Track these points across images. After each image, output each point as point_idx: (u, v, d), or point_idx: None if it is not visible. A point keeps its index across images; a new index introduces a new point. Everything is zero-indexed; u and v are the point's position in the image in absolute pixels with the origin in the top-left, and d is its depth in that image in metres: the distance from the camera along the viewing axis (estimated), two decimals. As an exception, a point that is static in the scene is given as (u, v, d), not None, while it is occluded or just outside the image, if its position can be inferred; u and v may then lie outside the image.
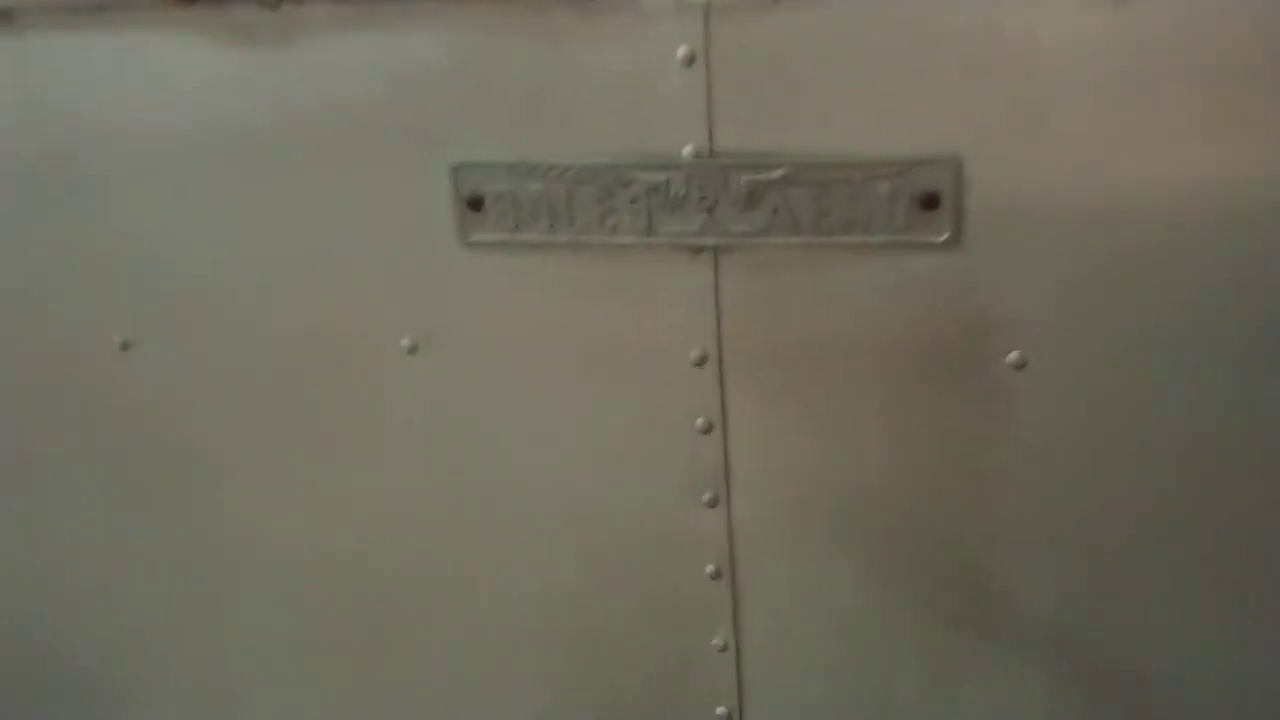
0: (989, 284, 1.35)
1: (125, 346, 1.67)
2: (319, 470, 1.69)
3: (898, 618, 1.59)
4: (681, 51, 1.31)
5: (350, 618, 1.79)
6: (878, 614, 1.60)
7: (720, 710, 1.67)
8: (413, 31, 1.37)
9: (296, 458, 1.69)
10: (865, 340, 1.42)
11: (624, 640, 1.68)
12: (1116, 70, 1.22)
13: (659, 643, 1.66)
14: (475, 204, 1.46)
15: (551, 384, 1.53)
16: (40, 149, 1.54)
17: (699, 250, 1.41)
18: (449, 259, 1.48)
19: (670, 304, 1.45)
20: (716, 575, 1.59)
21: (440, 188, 1.45)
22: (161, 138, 1.50)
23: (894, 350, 1.41)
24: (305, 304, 1.55)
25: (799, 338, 1.45)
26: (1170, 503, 1.41)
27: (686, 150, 1.35)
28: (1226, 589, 1.44)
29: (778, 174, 1.35)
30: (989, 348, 1.38)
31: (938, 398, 1.43)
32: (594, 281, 1.46)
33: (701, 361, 1.47)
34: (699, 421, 1.51)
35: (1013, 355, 1.38)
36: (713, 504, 1.55)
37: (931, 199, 1.32)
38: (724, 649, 1.63)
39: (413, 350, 1.55)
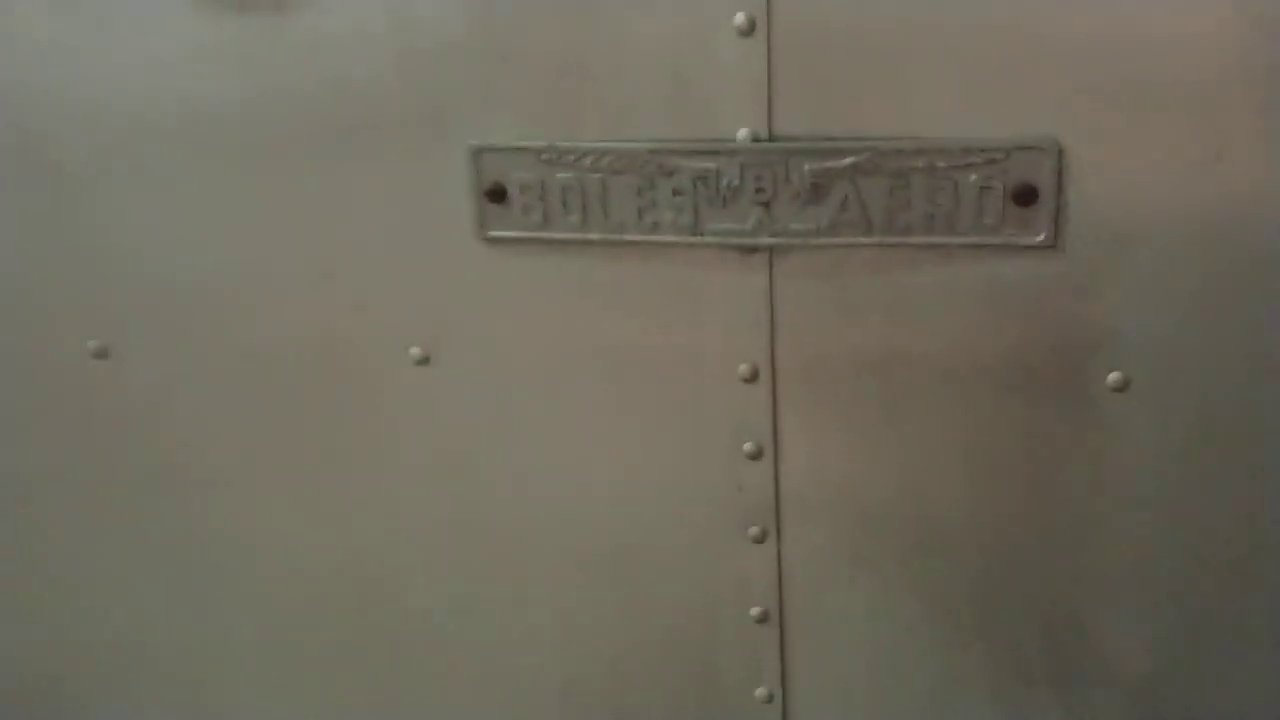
0: (1090, 294, 1.23)
1: (101, 353, 1.53)
2: (316, 494, 1.55)
3: (968, 668, 1.46)
4: (739, 18, 1.19)
5: (348, 646, 1.66)
6: (945, 664, 1.47)
7: (764, 768, 1.54)
8: (426, -3, 1.23)
9: (291, 479, 1.55)
10: (943, 357, 1.30)
11: (658, 689, 1.56)
12: (1246, 50, 1.10)
13: (697, 692, 1.54)
14: (496, 195, 1.31)
15: (580, 402, 1.42)
16: (1, 131, 1.40)
17: (752, 251, 1.29)
18: (466, 257, 1.36)
19: (717, 312, 1.33)
20: (763, 619, 1.47)
21: (457, 176, 1.32)
22: (139, 118, 1.38)
23: (976, 369, 1.29)
24: (302, 308, 1.44)
25: (865, 353, 1.31)
26: (1277, 547, 1.28)
27: (741, 133, 1.23)
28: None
29: (847, 162, 1.22)
30: (1087, 367, 1.26)
31: (1025, 423, 1.31)
32: (630, 285, 1.34)
33: (752, 377, 1.35)
34: (747, 445, 1.39)
35: (1113, 376, 1.26)
36: (760, 539, 1.43)
37: (1027, 193, 1.19)
38: (769, 700, 1.50)
39: (423, 361, 1.43)
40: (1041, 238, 1.21)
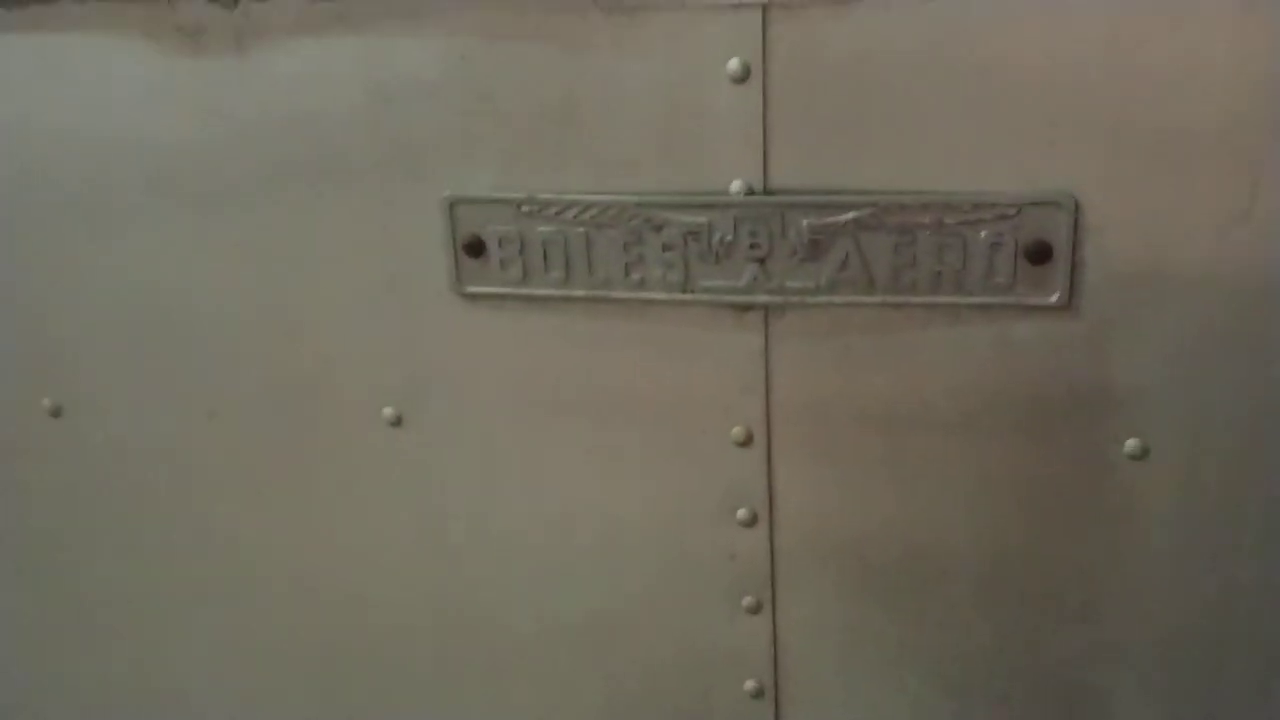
0: (1107, 358, 1.16)
1: (56, 413, 1.46)
2: (279, 561, 1.48)
3: (975, 748, 1.38)
4: (732, 64, 1.12)
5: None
6: (950, 742, 1.38)
7: None
8: (399, 35, 1.18)
9: (252, 546, 1.48)
10: (951, 422, 1.23)
11: (647, 769, 1.48)
12: (1265, 92, 1.03)
13: (689, 772, 1.46)
14: (474, 248, 1.24)
15: (562, 467, 1.34)
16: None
17: (746, 309, 1.22)
18: (441, 313, 1.29)
19: (709, 373, 1.26)
20: (758, 694, 1.40)
21: (431, 227, 1.25)
22: (93, 163, 1.31)
23: (986, 436, 1.22)
24: (265, 365, 1.36)
25: (868, 417, 1.24)
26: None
27: (735, 186, 1.16)
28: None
29: (849, 217, 1.15)
30: (1104, 434, 1.20)
31: (1039, 491, 1.24)
32: (616, 345, 1.27)
33: (746, 441, 1.28)
34: (741, 513, 1.32)
35: (1131, 443, 1.19)
36: (755, 610, 1.36)
37: (1041, 250, 1.12)
38: (765, 780, 1.43)
39: (396, 422, 1.36)
40: (1056, 298, 1.14)
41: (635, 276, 1.22)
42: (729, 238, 1.18)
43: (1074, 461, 1.22)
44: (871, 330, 1.21)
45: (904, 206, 1.13)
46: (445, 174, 1.23)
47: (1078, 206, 1.10)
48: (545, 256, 1.23)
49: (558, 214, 1.21)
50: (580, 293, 1.24)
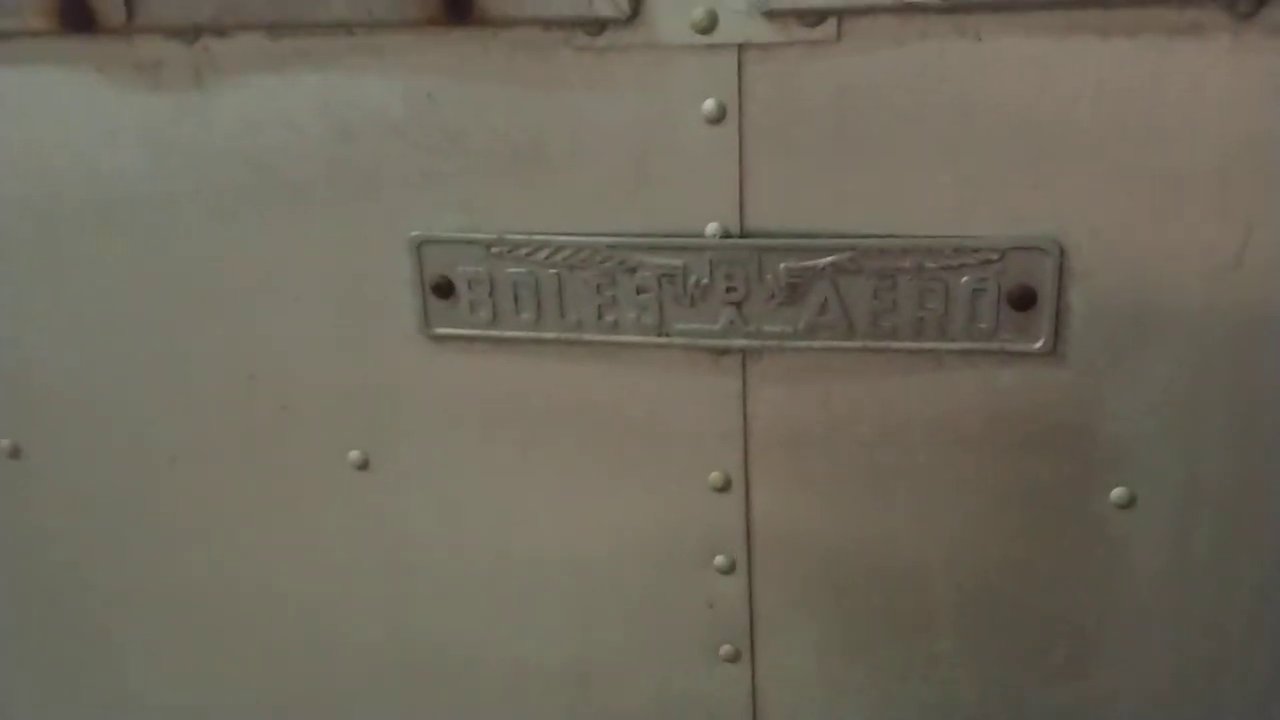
0: (1093, 404, 1.13)
1: (14, 453, 1.42)
2: (238, 609, 1.44)
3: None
4: (708, 105, 1.09)
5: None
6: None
7: None
8: (364, 72, 1.15)
9: (218, 594, 1.44)
10: (935, 470, 1.20)
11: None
12: (1272, 134, 0.99)
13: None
14: (442, 289, 1.20)
15: (533, 512, 1.31)
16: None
17: (723, 353, 1.19)
18: (409, 355, 1.25)
19: (686, 417, 1.23)
20: None
21: (398, 268, 1.21)
22: (46, 198, 1.27)
23: (972, 484, 1.19)
24: (227, 407, 1.33)
25: (847, 464, 1.21)
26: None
27: (710, 228, 1.13)
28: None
29: (827, 261, 1.11)
30: (1090, 482, 1.17)
31: (1026, 543, 1.21)
32: (589, 388, 1.23)
33: (724, 487, 1.25)
34: (719, 560, 1.29)
35: (1118, 492, 1.17)
36: (734, 659, 1.33)
37: (1025, 296, 1.09)
38: (745, 834, 1.39)
39: (363, 466, 1.33)
40: (1040, 344, 1.11)
41: (609, 319, 1.18)
42: (705, 281, 1.14)
43: (1060, 511, 1.19)
44: (852, 375, 1.17)
45: (884, 250, 1.10)
46: (411, 214, 1.19)
47: (1063, 251, 1.07)
48: (516, 298, 1.20)
49: (528, 255, 1.17)
50: (552, 335, 1.21)
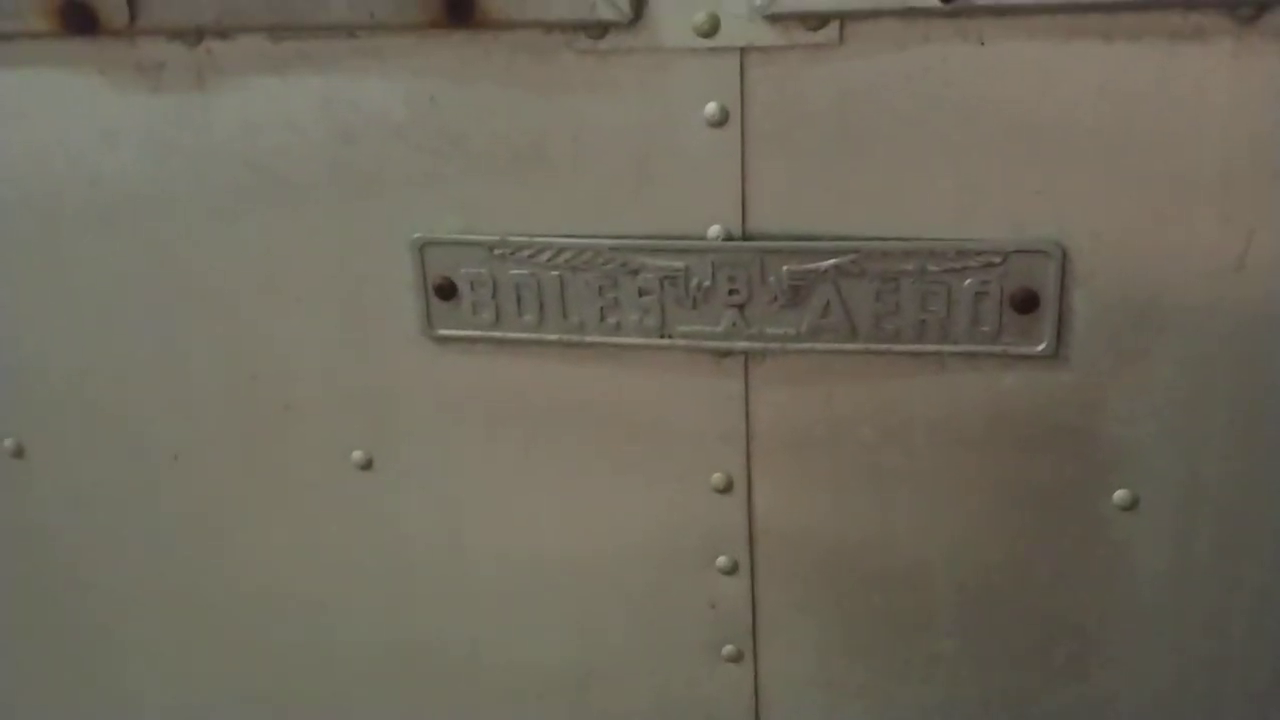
0: (1096, 407, 1.13)
1: (17, 452, 1.42)
2: (239, 611, 1.44)
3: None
4: (710, 108, 1.09)
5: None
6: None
7: None
8: (366, 75, 1.14)
9: (220, 593, 1.44)
10: (937, 472, 1.20)
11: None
12: (1258, 140, 0.99)
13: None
14: (445, 291, 1.20)
15: (535, 512, 1.31)
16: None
17: (725, 355, 1.19)
18: (411, 356, 1.25)
19: (688, 418, 1.23)
20: None
21: (401, 270, 1.21)
22: (47, 199, 1.27)
23: (973, 487, 1.19)
24: (230, 407, 1.32)
25: (850, 466, 1.21)
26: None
27: (713, 231, 1.13)
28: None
29: (829, 263, 1.11)
30: (1092, 484, 1.17)
31: (1028, 545, 1.21)
32: (591, 389, 1.23)
33: (726, 488, 1.25)
34: (721, 560, 1.29)
35: (1120, 494, 1.16)
36: (736, 659, 1.33)
37: (1028, 299, 1.09)
38: (747, 834, 1.39)
39: (366, 466, 1.32)
40: (1043, 347, 1.11)
41: (611, 321, 1.18)
42: (707, 283, 1.14)
43: (1062, 512, 1.19)
44: (854, 378, 1.17)
45: (886, 253, 1.10)
46: (414, 216, 1.19)
47: (1065, 254, 1.07)
48: (518, 300, 1.19)
49: (530, 257, 1.17)
50: (554, 337, 1.20)
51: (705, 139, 1.09)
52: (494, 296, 1.20)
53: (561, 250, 1.16)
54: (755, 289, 1.14)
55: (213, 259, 1.25)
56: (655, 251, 1.14)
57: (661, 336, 1.18)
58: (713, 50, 1.06)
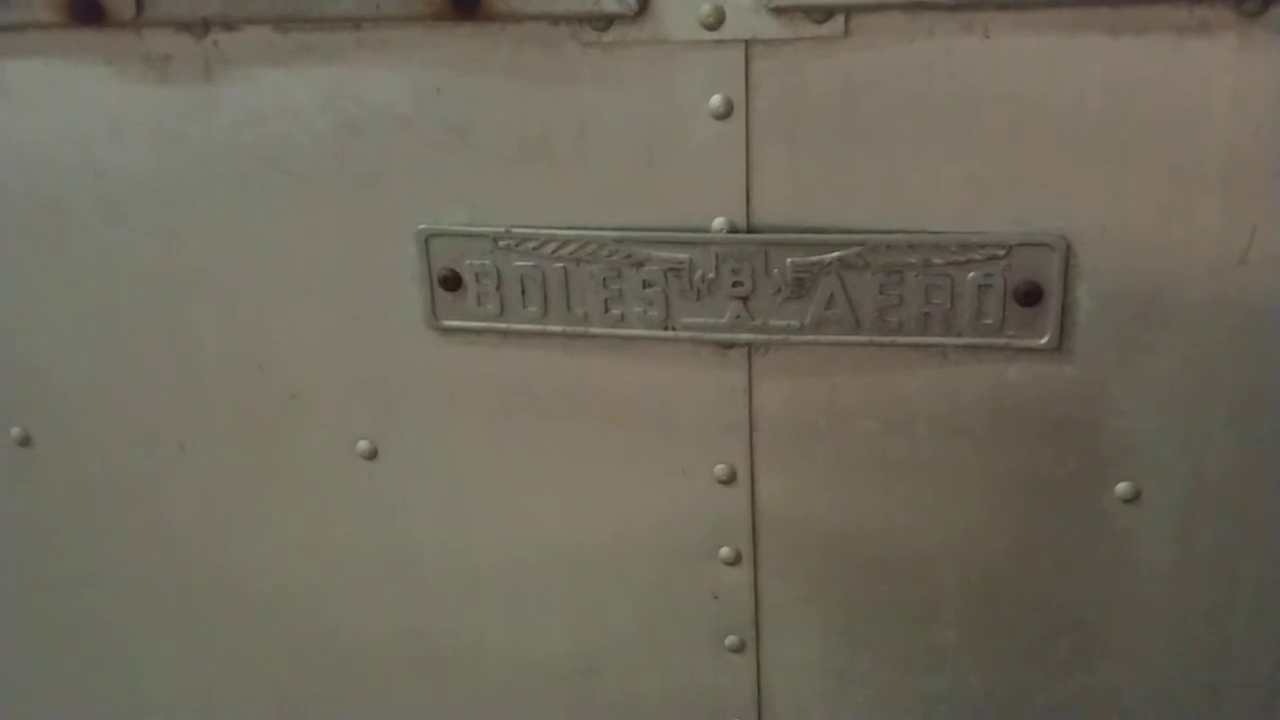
0: (1099, 400, 1.13)
1: (24, 442, 1.43)
2: (247, 599, 1.45)
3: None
4: (715, 100, 1.09)
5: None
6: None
7: None
8: (372, 66, 1.15)
9: (225, 581, 1.45)
10: (939, 465, 1.20)
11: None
12: (1263, 134, 0.99)
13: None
14: (450, 282, 1.20)
15: (540, 502, 1.31)
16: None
17: (729, 347, 1.19)
18: (416, 347, 1.26)
19: (691, 410, 1.23)
20: None
21: (406, 261, 1.22)
22: (54, 190, 1.28)
23: (976, 478, 1.19)
24: (236, 396, 1.33)
25: (853, 457, 1.21)
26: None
27: (717, 223, 1.13)
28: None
29: (834, 256, 1.11)
30: (1095, 477, 1.17)
31: (1031, 536, 1.21)
32: (595, 380, 1.24)
33: (729, 479, 1.25)
34: (724, 551, 1.29)
35: (1123, 487, 1.16)
36: (739, 650, 1.34)
37: (1032, 292, 1.09)
38: (749, 824, 1.39)
39: (371, 455, 1.33)
40: (1046, 340, 1.11)
41: (615, 312, 1.19)
42: (711, 275, 1.14)
43: (1065, 505, 1.19)
44: (858, 370, 1.17)
45: (890, 246, 1.10)
46: (419, 207, 1.19)
47: (1069, 248, 1.07)
48: (523, 291, 1.20)
49: (535, 248, 1.17)
50: (558, 328, 1.21)
51: (710, 131, 1.10)
52: (499, 288, 1.20)
53: (566, 242, 1.16)
54: (759, 281, 1.14)
55: (219, 250, 1.26)
56: (660, 243, 1.14)
57: (665, 328, 1.18)
58: (718, 43, 1.06)
